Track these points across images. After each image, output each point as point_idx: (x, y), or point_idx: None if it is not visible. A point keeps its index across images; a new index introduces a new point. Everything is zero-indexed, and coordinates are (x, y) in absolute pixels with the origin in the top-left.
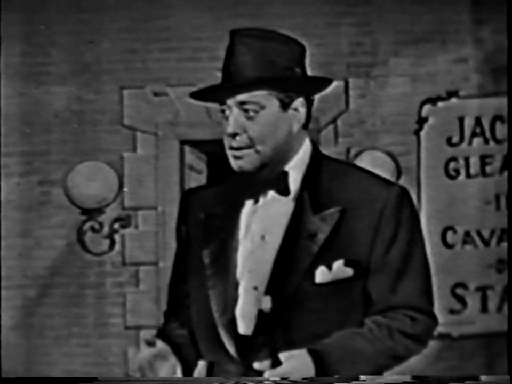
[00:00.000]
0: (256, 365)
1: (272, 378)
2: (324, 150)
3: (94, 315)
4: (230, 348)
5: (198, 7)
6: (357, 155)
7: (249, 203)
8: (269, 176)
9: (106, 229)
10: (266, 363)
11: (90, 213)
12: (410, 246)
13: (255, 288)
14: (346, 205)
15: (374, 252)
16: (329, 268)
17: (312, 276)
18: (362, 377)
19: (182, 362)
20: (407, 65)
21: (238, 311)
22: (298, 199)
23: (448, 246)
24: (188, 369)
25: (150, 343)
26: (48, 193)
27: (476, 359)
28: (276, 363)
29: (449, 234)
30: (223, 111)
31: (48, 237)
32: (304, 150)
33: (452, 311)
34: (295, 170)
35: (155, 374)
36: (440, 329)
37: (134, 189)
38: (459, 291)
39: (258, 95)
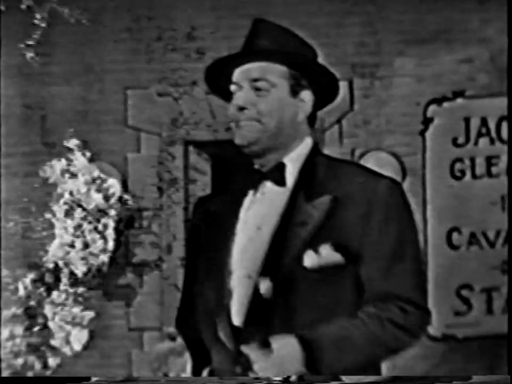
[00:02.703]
0: (243, 348)
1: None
2: (329, 151)
3: (97, 316)
4: (226, 339)
5: (200, 7)
6: (362, 156)
7: (250, 194)
8: (268, 167)
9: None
10: (254, 345)
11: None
12: (401, 236)
13: (249, 277)
14: (338, 194)
15: (365, 239)
16: (317, 251)
17: (302, 260)
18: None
19: (193, 359)
20: (412, 65)
21: (233, 301)
22: (294, 190)
23: (453, 247)
24: (198, 368)
25: (172, 337)
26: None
27: (481, 361)
28: (266, 346)
29: (455, 236)
30: (231, 93)
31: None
32: (304, 146)
33: (457, 313)
34: (292, 163)
35: (167, 368)
36: (445, 330)
37: (138, 189)
38: (464, 292)
39: (271, 73)
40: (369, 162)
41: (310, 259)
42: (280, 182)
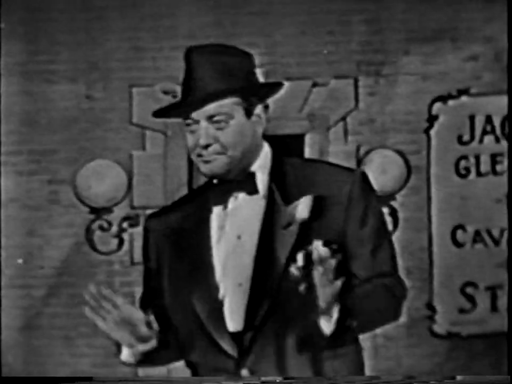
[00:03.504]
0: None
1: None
2: (333, 149)
3: None
4: (225, 345)
5: (204, 5)
6: (367, 153)
7: (218, 209)
8: (237, 179)
9: (114, 228)
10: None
11: (98, 211)
12: (379, 221)
13: (240, 285)
14: (317, 192)
15: (348, 231)
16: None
17: (294, 261)
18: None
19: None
20: (418, 64)
21: (227, 309)
22: (269, 196)
23: (458, 244)
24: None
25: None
26: (57, 192)
27: (485, 358)
28: None
29: (459, 233)
30: (187, 125)
31: (56, 236)
32: (265, 152)
33: (461, 310)
34: (260, 170)
35: None
36: (449, 328)
37: (143, 187)
38: (469, 290)
39: (226, 106)
40: (374, 160)
41: (303, 258)
42: (253, 191)
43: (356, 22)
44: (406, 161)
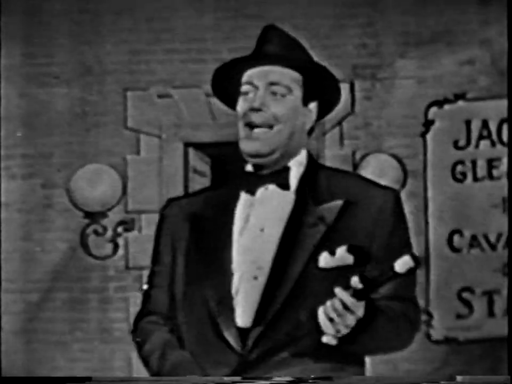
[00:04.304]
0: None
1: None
2: (329, 153)
3: (97, 320)
4: (230, 338)
5: (201, 8)
6: (363, 158)
7: (246, 196)
8: (271, 170)
9: (109, 233)
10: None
11: (93, 216)
12: (406, 240)
13: (255, 278)
14: (348, 199)
15: (373, 244)
16: (332, 253)
17: (316, 261)
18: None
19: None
20: (414, 67)
21: (239, 301)
22: (299, 193)
23: (455, 249)
24: None
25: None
26: (51, 196)
27: (482, 364)
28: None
29: (456, 238)
30: (245, 93)
31: (50, 241)
32: (303, 153)
33: (458, 316)
34: (296, 167)
35: None
36: (446, 333)
37: (138, 192)
38: (466, 295)
39: (287, 78)
40: (370, 164)
41: (325, 260)
42: (284, 185)
43: (351, 26)
44: (402, 166)
